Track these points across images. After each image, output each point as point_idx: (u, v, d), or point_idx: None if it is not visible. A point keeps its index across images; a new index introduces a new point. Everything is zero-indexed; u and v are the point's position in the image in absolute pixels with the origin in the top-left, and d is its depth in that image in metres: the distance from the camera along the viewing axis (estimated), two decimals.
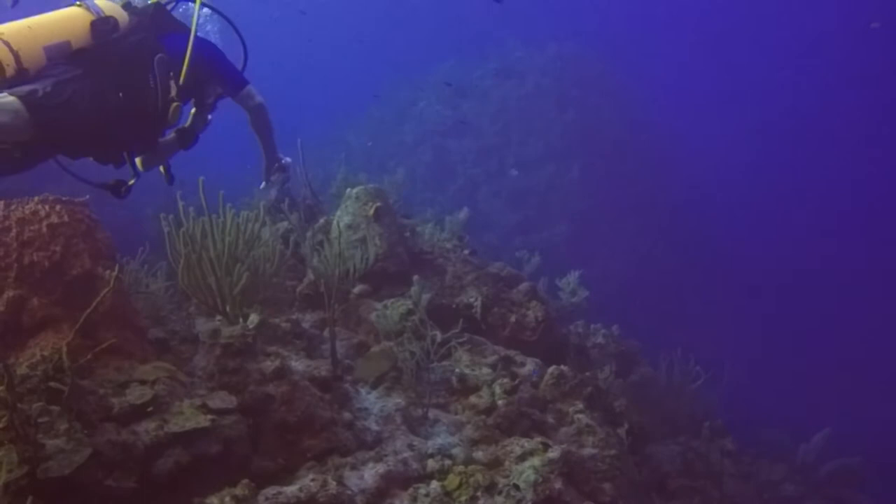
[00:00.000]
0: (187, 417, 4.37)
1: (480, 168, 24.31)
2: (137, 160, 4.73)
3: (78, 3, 3.51)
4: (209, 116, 5.18)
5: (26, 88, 3.12)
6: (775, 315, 23.64)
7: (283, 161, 4.77)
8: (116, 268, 4.38)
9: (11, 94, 3.06)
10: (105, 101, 3.41)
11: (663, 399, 9.46)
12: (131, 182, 4.69)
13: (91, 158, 4.38)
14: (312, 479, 4.31)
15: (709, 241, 23.84)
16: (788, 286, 25.29)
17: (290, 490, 4.23)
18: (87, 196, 5.01)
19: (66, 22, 3.38)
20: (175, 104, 3.71)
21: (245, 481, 3.86)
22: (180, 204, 5.55)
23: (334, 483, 4.30)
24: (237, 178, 12.60)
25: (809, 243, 27.31)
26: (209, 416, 4.42)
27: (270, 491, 4.25)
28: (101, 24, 3.42)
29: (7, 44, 3.00)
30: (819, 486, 10.25)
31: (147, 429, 4.19)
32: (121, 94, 3.44)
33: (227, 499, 3.58)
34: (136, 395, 4.37)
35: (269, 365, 5.09)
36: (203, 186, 5.55)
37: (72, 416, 3.68)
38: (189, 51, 3.81)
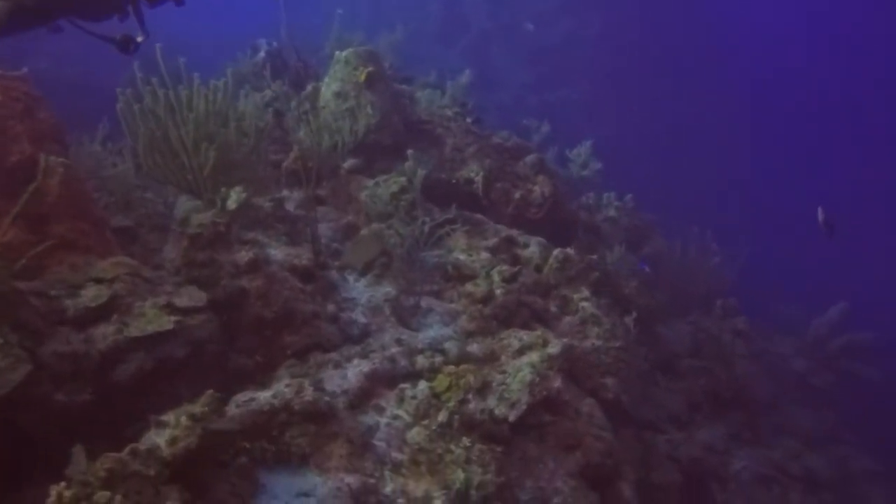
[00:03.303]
0: (149, 319, 3.99)
1: (493, 21, 22.79)
2: None
3: None
4: None
5: None
6: (798, 187, 22.79)
7: None
8: (55, 154, 3.85)
9: None
10: None
11: (676, 275, 9.07)
12: (140, 39, 4.19)
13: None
14: (287, 385, 3.97)
15: (735, 106, 22.46)
16: (812, 155, 24.26)
17: (264, 396, 3.91)
18: (25, 69, 4.39)
19: None
20: None
21: (209, 393, 3.51)
22: (138, 76, 4.91)
23: (311, 388, 3.96)
24: (211, 46, 11.69)
25: (832, 111, 25.92)
26: (174, 318, 4.05)
27: (242, 397, 3.95)
28: None
29: None
30: (829, 359, 10.05)
31: (104, 333, 3.82)
32: None
33: (184, 418, 3.23)
34: (91, 295, 3.98)
35: (244, 256, 4.65)
36: (162, 53, 4.90)
37: (5, 328, 3.28)
38: None
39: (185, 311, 4.19)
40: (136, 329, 3.91)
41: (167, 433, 3.22)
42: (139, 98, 4.96)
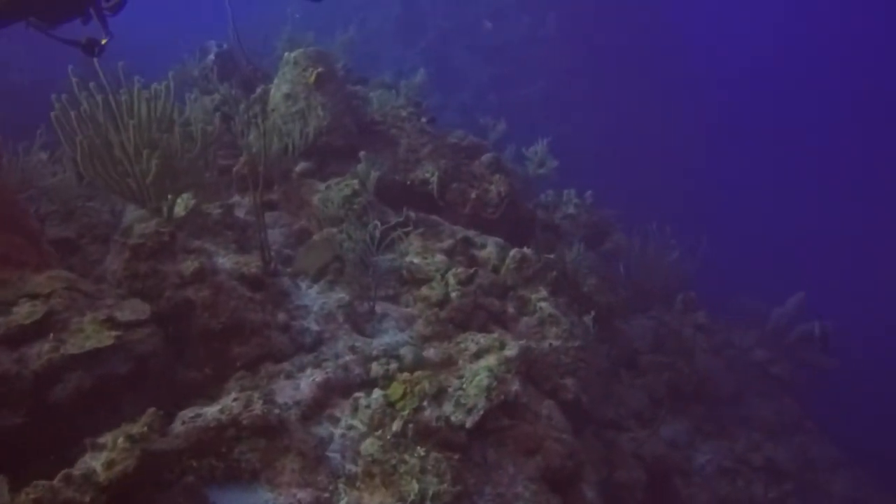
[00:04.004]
0: (88, 335, 3.82)
1: (452, 21, 22.71)
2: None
3: None
4: None
5: None
6: (757, 183, 23.21)
7: None
8: None
9: None
10: None
11: (637, 270, 9.07)
12: (104, 41, 4.16)
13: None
14: (235, 399, 3.83)
15: (695, 104, 22.68)
16: (772, 153, 24.71)
17: (210, 412, 3.76)
18: None
19: None
20: None
21: (150, 411, 3.37)
22: (73, 80, 4.72)
23: (260, 402, 3.82)
24: (165, 49, 11.41)
25: (794, 110, 26.43)
26: (115, 332, 3.88)
27: (188, 413, 3.79)
28: None
29: None
30: (790, 349, 10.16)
31: (40, 352, 3.64)
32: None
33: (121, 439, 3.08)
34: (24, 312, 3.79)
35: (189, 265, 4.49)
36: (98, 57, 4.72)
37: None
38: None
39: (127, 326, 4.03)
40: (73, 346, 3.73)
41: (103, 456, 3.07)
42: (75, 104, 4.78)
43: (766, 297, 11.30)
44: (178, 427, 3.68)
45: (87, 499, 2.87)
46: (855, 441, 9.41)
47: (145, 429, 3.20)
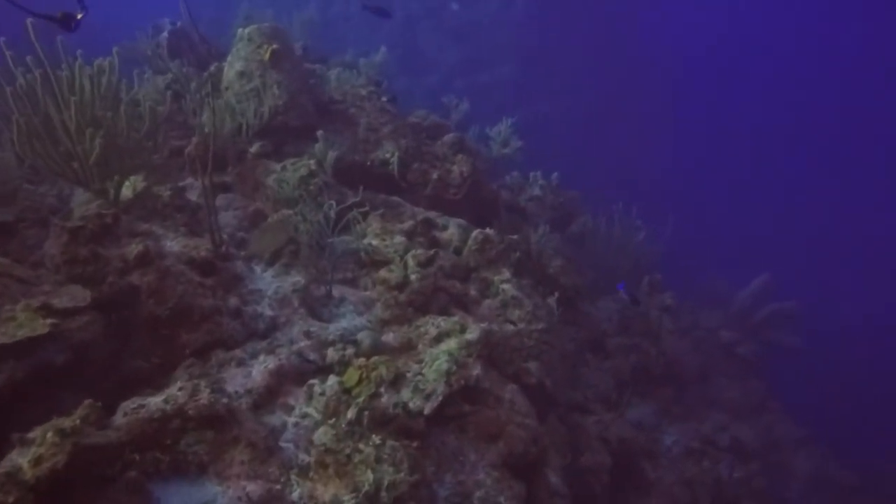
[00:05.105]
0: (20, 324, 3.60)
1: (418, 1, 22.37)
2: None
3: None
4: None
5: None
6: (722, 166, 23.37)
7: None
8: None
9: None
10: None
11: (604, 252, 8.99)
12: (80, 16, 4.03)
13: None
14: (181, 388, 3.64)
15: (662, 88, 22.66)
16: (738, 134, 24.87)
17: (154, 402, 3.57)
18: None
19: None
20: None
21: (87, 403, 3.17)
22: (8, 54, 4.45)
23: (207, 390, 3.64)
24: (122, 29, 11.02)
25: (758, 95, 26.67)
26: (50, 320, 3.66)
27: (130, 404, 3.59)
28: None
29: None
30: (754, 330, 10.19)
31: None
32: None
33: (50, 434, 2.88)
34: None
35: (133, 249, 4.27)
36: (35, 30, 4.45)
37: None
38: None
39: (65, 313, 3.81)
40: (4, 335, 3.51)
41: (31, 452, 2.87)
42: (11, 79, 4.52)
43: (730, 278, 11.33)
44: (119, 419, 3.49)
45: (11, 499, 2.67)
46: (819, 420, 9.48)
47: (78, 422, 3.00)
